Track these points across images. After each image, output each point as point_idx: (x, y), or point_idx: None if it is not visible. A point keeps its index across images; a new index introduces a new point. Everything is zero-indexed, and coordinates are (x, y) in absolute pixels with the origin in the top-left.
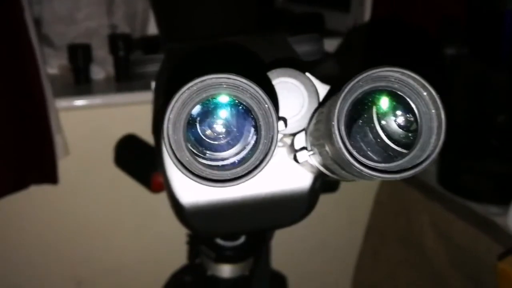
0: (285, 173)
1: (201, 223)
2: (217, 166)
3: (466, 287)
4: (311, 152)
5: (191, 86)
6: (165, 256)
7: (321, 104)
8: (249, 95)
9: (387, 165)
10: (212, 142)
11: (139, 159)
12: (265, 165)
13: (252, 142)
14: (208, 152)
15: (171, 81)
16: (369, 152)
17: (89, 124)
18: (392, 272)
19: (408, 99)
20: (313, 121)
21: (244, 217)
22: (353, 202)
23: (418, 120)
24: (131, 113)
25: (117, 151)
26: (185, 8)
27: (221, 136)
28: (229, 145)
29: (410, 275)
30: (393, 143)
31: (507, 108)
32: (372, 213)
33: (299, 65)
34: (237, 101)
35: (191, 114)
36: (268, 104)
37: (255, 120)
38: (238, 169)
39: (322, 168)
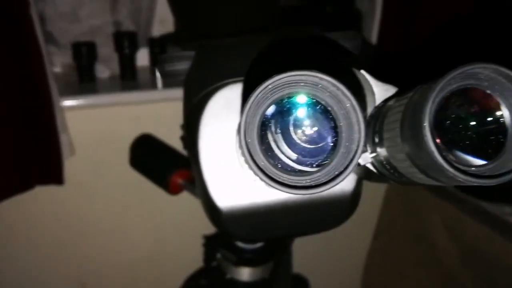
0: None
1: (238, 227)
2: (294, 171)
3: None
4: (374, 154)
5: (268, 85)
6: (172, 258)
7: (384, 103)
8: (329, 94)
9: (477, 169)
10: (286, 144)
11: (156, 160)
12: (350, 171)
13: (331, 144)
14: (281, 156)
15: (246, 79)
16: (458, 155)
17: (94, 123)
18: (402, 271)
19: (498, 98)
20: (379, 120)
21: (282, 221)
22: (362, 200)
23: (508, 120)
24: (137, 112)
25: (133, 152)
26: (207, 3)
27: (297, 138)
28: (305, 148)
29: (420, 275)
30: (481, 145)
31: None
32: (381, 212)
33: (354, 62)
34: (314, 100)
35: (265, 115)
36: (352, 102)
37: (335, 120)
38: (319, 174)
39: (384, 171)
